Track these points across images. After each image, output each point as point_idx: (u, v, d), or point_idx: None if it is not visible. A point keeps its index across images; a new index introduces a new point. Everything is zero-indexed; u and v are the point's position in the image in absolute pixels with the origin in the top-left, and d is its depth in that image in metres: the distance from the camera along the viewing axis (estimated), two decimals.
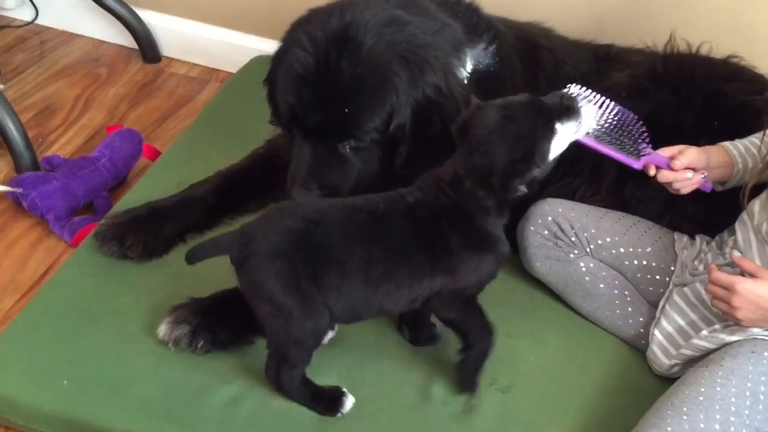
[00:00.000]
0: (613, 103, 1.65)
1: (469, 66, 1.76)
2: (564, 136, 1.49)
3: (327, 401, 1.52)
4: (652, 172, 1.63)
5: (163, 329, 1.58)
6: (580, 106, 1.50)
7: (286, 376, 1.49)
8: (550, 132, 1.47)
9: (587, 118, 1.52)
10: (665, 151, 1.63)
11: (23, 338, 1.62)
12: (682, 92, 1.78)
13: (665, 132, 1.69)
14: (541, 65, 1.92)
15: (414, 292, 1.49)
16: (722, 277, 1.48)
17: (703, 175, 1.64)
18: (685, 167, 1.61)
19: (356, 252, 1.42)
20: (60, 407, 1.51)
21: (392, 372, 1.62)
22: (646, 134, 1.64)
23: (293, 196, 1.65)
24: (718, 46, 1.94)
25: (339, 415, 1.52)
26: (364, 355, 1.64)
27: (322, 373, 1.57)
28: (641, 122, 1.65)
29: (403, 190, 1.51)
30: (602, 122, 1.62)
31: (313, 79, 1.61)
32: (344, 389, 1.53)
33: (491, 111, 1.46)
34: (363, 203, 1.48)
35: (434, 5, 1.79)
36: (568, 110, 1.48)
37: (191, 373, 1.56)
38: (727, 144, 1.68)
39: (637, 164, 1.63)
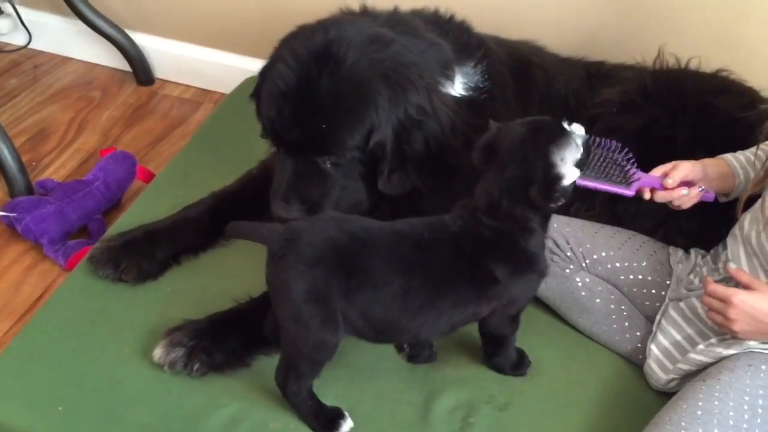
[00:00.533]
0: (591, 136, 1.60)
1: (459, 84, 1.77)
2: (584, 150, 1.47)
3: (326, 420, 1.51)
4: (647, 195, 1.63)
5: (158, 352, 1.58)
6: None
7: (293, 385, 1.48)
8: (575, 145, 1.44)
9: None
10: (657, 171, 1.63)
11: (18, 364, 1.61)
12: (673, 106, 1.79)
13: (657, 146, 1.70)
14: (533, 82, 1.93)
15: (455, 319, 1.49)
16: (718, 289, 1.48)
17: (700, 188, 1.63)
18: (679, 182, 1.61)
19: (395, 280, 1.41)
20: None
21: (390, 390, 1.61)
22: (632, 159, 1.63)
23: (273, 210, 1.66)
24: (708, 61, 1.96)
25: None
26: (362, 374, 1.63)
27: (320, 391, 1.55)
28: (625, 149, 1.63)
29: (446, 218, 1.50)
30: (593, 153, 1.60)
31: (294, 95, 1.62)
32: (345, 412, 1.52)
33: (517, 126, 1.46)
34: (409, 230, 1.47)
35: (423, 24, 1.80)
36: (577, 136, 1.46)
37: (187, 397, 1.55)
38: (727, 156, 1.68)
39: (629, 192, 1.62)
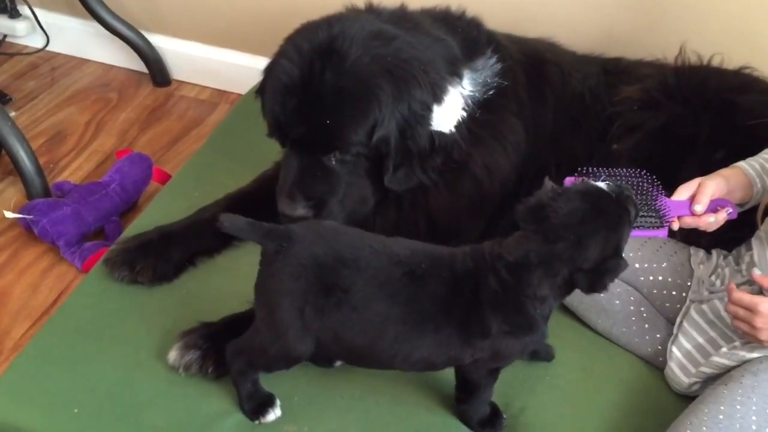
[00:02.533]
0: (616, 171, 1.54)
1: (466, 81, 1.75)
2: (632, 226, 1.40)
3: (257, 404, 1.51)
4: (675, 226, 1.55)
5: (173, 355, 1.57)
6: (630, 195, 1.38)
7: (242, 366, 1.47)
8: (630, 225, 1.37)
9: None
10: (682, 192, 1.54)
11: (34, 366, 1.60)
12: (695, 104, 1.76)
13: (678, 145, 1.67)
14: (548, 80, 1.90)
15: (432, 359, 1.42)
16: (744, 297, 1.44)
17: (728, 212, 1.54)
18: (706, 207, 1.52)
19: (375, 305, 1.36)
20: None
21: (407, 393, 1.59)
22: (658, 184, 1.54)
23: (280, 207, 1.66)
24: (730, 58, 1.93)
25: (257, 423, 1.50)
26: (378, 376, 1.60)
27: (336, 393, 1.56)
28: (648, 174, 1.54)
29: (457, 253, 1.41)
30: None
31: (297, 90, 1.61)
32: (277, 401, 1.51)
33: (578, 199, 1.33)
34: (406, 257, 1.39)
35: (430, 20, 1.79)
36: (630, 199, 1.37)
37: (202, 399, 1.54)
38: (742, 164, 1.62)
39: (663, 233, 1.53)
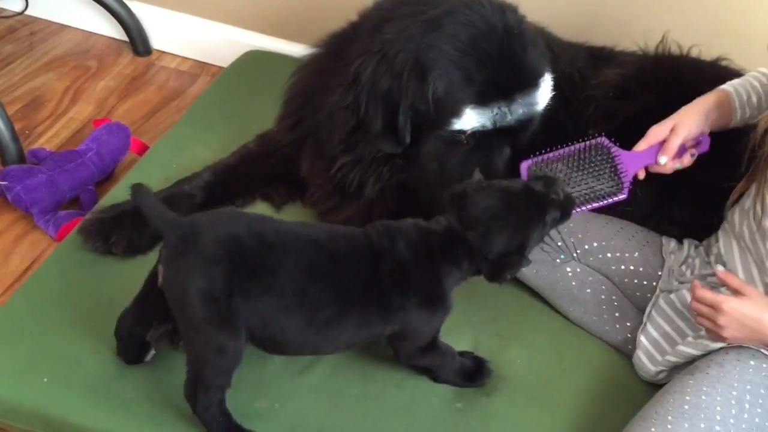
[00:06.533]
0: (572, 146, 1.63)
1: None
2: (550, 226, 1.48)
3: None
4: (642, 175, 1.62)
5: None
6: (564, 196, 1.48)
7: (202, 398, 1.40)
8: (543, 224, 1.45)
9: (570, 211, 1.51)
10: (654, 135, 1.60)
11: (4, 334, 1.60)
12: (669, 94, 1.76)
13: None
14: None
15: (356, 338, 1.46)
16: (707, 295, 1.45)
17: (693, 154, 1.62)
18: (673, 155, 1.60)
19: (303, 290, 1.36)
20: (39, 404, 1.50)
21: (376, 371, 1.61)
22: (615, 150, 1.62)
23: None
24: (711, 48, 1.93)
25: None
26: (347, 353, 1.61)
27: (306, 370, 1.56)
28: (608, 138, 1.63)
29: (371, 232, 1.45)
30: (572, 177, 1.62)
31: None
32: None
33: (493, 195, 1.43)
34: (326, 239, 1.41)
35: None
36: (554, 202, 1.46)
37: (173, 372, 1.53)
38: (730, 90, 1.65)
39: (623, 196, 1.61)
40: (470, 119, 1.62)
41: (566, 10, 2.29)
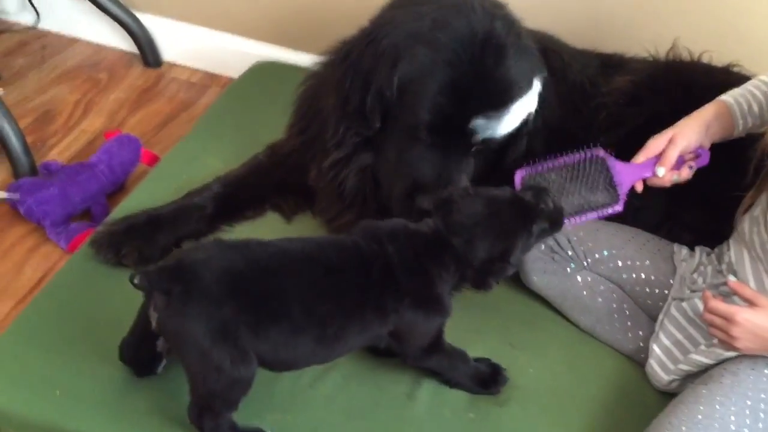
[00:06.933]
0: (568, 156, 1.63)
1: None
2: (538, 236, 1.49)
3: None
4: (639, 188, 1.61)
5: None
6: (553, 208, 1.49)
7: (210, 423, 1.39)
8: (529, 234, 1.46)
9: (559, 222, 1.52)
10: (652, 147, 1.59)
11: (16, 346, 1.60)
12: (680, 101, 1.76)
13: None
14: (550, 67, 1.90)
15: (357, 343, 1.47)
16: (720, 306, 1.44)
17: (691, 167, 1.61)
18: (671, 167, 1.59)
19: (310, 309, 1.36)
20: (51, 418, 1.49)
21: (389, 381, 1.60)
22: (612, 161, 1.61)
23: (420, 203, 1.58)
24: (721, 54, 1.92)
25: None
26: (359, 363, 1.61)
27: (319, 380, 1.56)
28: (605, 149, 1.62)
29: (358, 240, 1.45)
30: (565, 188, 1.62)
31: (470, 86, 1.60)
32: None
33: (479, 202, 1.44)
34: (317, 254, 1.41)
35: None
36: (543, 213, 1.47)
37: (184, 384, 1.52)
38: (730, 102, 1.63)
39: (618, 208, 1.61)
40: (424, 118, 1.62)
41: (576, 17, 2.29)
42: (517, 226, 1.44)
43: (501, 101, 1.61)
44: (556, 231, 1.51)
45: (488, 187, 1.49)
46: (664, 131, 1.61)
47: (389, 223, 1.48)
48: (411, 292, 1.42)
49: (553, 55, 1.90)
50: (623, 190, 1.61)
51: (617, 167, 1.61)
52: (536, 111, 1.69)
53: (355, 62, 1.66)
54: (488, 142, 1.65)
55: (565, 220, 1.54)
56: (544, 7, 2.28)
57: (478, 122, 1.61)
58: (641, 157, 1.60)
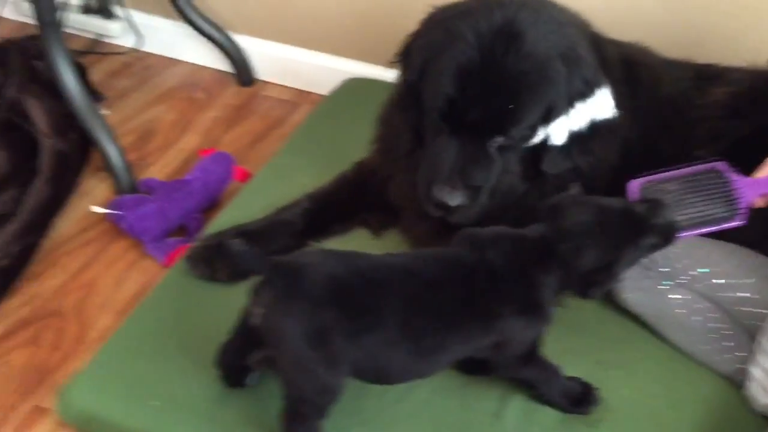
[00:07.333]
0: (686, 168, 1.58)
1: None
2: (647, 250, 1.47)
3: None
4: (760, 203, 1.56)
5: None
6: (667, 222, 1.47)
7: (299, 429, 1.41)
8: (636, 247, 1.45)
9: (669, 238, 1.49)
10: (764, 170, 1.54)
11: (117, 358, 1.67)
12: None
13: (764, 156, 1.60)
14: (640, 82, 1.85)
15: (458, 355, 1.46)
16: None
17: None
18: None
19: (407, 321, 1.36)
20: (149, 427, 1.55)
21: (475, 398, 1.59)
22: (732, 174, 1.56)
23: (435, 194, 1.63)
24: None
25: None
26: (444, 378, 1.59)
27: (405, 399, 1.56)
28: (725, 163, 1.56)
29: (460, 252, 1.46)
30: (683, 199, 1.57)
31: (477, 73, 1.59)
32: None
33: (589, 211, 1.44)
34: (421, 268, 1.42)
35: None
36: (654, 227, 1.45)
37: (274, 396, 1.54)
38: None
39: (739, 222, 1.56)
40: (436, 104, 1.63)
41: (669, 28, 2.22)
42: (625, 237, 1.43)
43: (506, 91, 1.59)
44: (666, 246, 1.48)
45: (600, 196, 1.48)
46: None
47: (492, 229, 1.48)
48: (514, 297, 1.42)
49: (641, 69, 1.85)
50: (743, 204, 1.56)
51: (738, 181, 1.57)
52: (600, 124, 1.65)
53: (409, 54, 1.72)
54: (510, 139, 1.62)
55: (682, 233, 1.52)
56: (641, 19, 2.24)
57: (489, 113, 1.59)
58: (765, 170, 1.55)
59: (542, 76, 1.59)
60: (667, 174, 1.59)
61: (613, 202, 1.46)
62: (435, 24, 1.69)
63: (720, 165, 1.57)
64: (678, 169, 1.59)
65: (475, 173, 1.63)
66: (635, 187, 1.59)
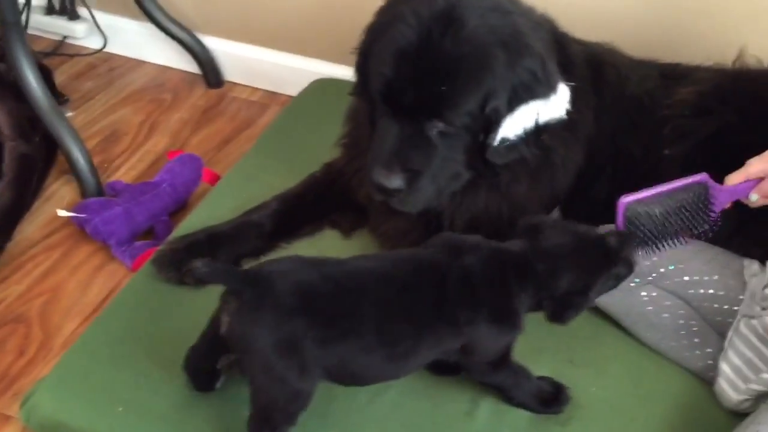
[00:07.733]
0: (674, 183, 1.57)
1: None
2: (614, 280, 1.51)
3: None
4: (729, 206, 1.58)
5: None
6: (630, 258, 1.51)
7: None
8: (609, 277, 1.48)
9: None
10: (746, 175, 1.55)
11: (81, 363, 1.63)
12: (751, 112, 1.70)
13: (732, 153, 1.61)
14: (606, 81, 1.87)
15: (427, 359, 1.46)
16: None
17: None
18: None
19: (382, 327, 1.36)
20: None
21: (446, 399, 1.58)
22: (714, 186, 1.57)
23: (374, 177, 1.63)
24: None
25: None
26: (416, 380, 1.58)
27: (375, 398, 1.55)
28: (706, 176, 1.57)
29: (435, 253, 1.46)
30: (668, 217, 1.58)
31: (414, 56, 1.58)
32: None
33: (566, 236, 1.47)
34: (395, 272, 1.42)
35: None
36: (622, 260, 1.48)
37: (244, 401, 1.53)
38: None
39: (707, 226, 1.59)
40: (376, 86, 1.64)
41: (640, 27, 2.24)
42: (599, 265, 1.46)
43: (441, 74, 1.58)
44: (627, 277, 1.53)
45: (576, 223, 1.51)
46: (766, 154, 1.55)
47: (475, 237, 1.49)
48: (489, 303, 1.42)
49: (607, 68, 1.86)
50: (716, 211, 1.58)
51: (716, 191, 1.58)
52: (553, 119, 1.65)
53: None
54: (449, 125, 1.61)
55: (666, 245, 1.58)
56: (609, 18, 2.25)
57: (423, 95, 1.59)
58: (740, 177, 1.56)
59: (479, 61, 1.58)
60: (653, 192, 1.56)
61: (588, 231, 1.50)
62: (384, 9, 1.70)
63: (704, 178, 1.57)
64: (664, 185, 1.57)
65: (413, 157, 1.62)
66: (622, 205, 1.55)
